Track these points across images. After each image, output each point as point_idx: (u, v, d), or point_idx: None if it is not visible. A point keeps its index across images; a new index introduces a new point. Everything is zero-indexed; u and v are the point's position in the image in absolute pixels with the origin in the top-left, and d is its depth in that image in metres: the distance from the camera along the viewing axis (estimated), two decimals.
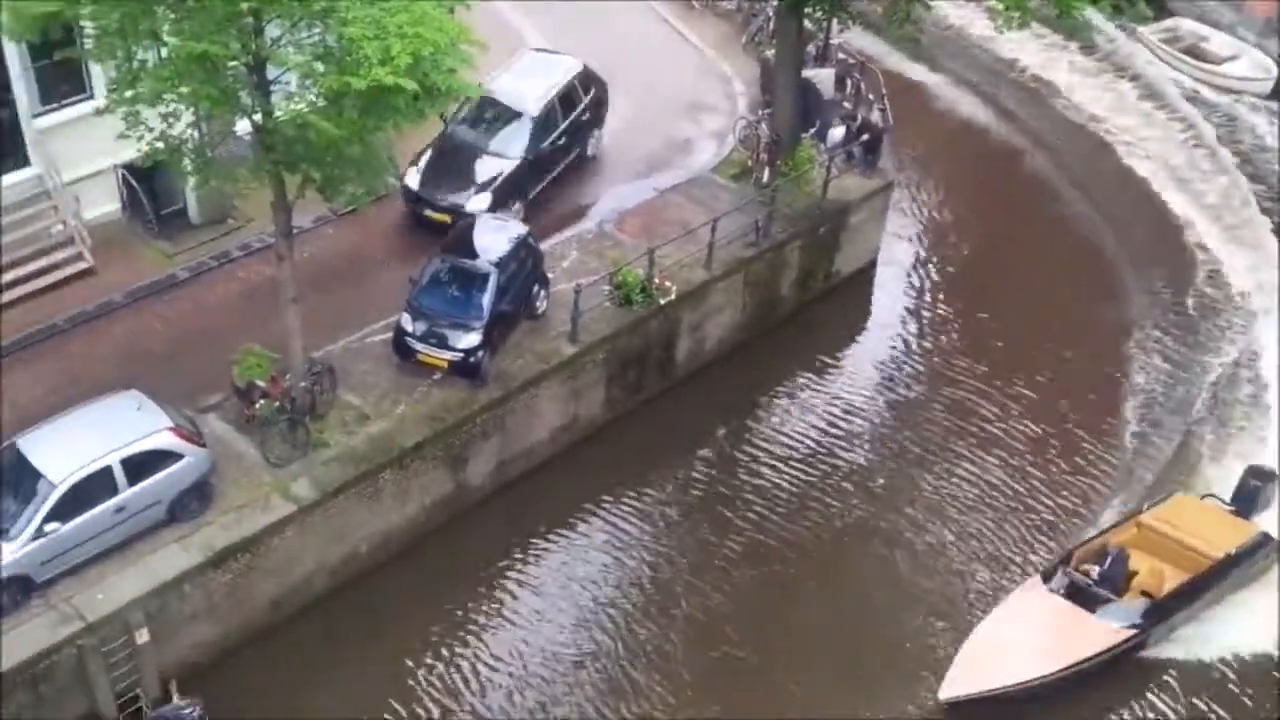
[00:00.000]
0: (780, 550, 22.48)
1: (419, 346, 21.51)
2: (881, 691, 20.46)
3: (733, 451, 24.48)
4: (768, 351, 26.21)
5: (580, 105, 26.57)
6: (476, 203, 24.31)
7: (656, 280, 23.89)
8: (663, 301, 23.95)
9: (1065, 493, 23.82)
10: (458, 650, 20.41)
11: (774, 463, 24.22)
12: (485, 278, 21.73)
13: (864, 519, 23.22)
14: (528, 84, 25.95)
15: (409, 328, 21.50)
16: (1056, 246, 29.82)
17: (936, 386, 25.99)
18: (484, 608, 21.10)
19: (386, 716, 19.33)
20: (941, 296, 28.19)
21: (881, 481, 24.03)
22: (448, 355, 21.43)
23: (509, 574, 21.69)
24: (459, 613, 20.90)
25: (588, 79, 26.87)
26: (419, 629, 20.57)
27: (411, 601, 20.82)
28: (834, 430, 25.00)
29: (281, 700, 19.14)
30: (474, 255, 22.17)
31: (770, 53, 28.71)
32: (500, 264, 21.93)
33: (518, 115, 25.48)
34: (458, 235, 22.75)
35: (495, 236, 22.58)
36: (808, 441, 24.72)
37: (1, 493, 17.71)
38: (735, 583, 21.86)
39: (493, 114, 25.57)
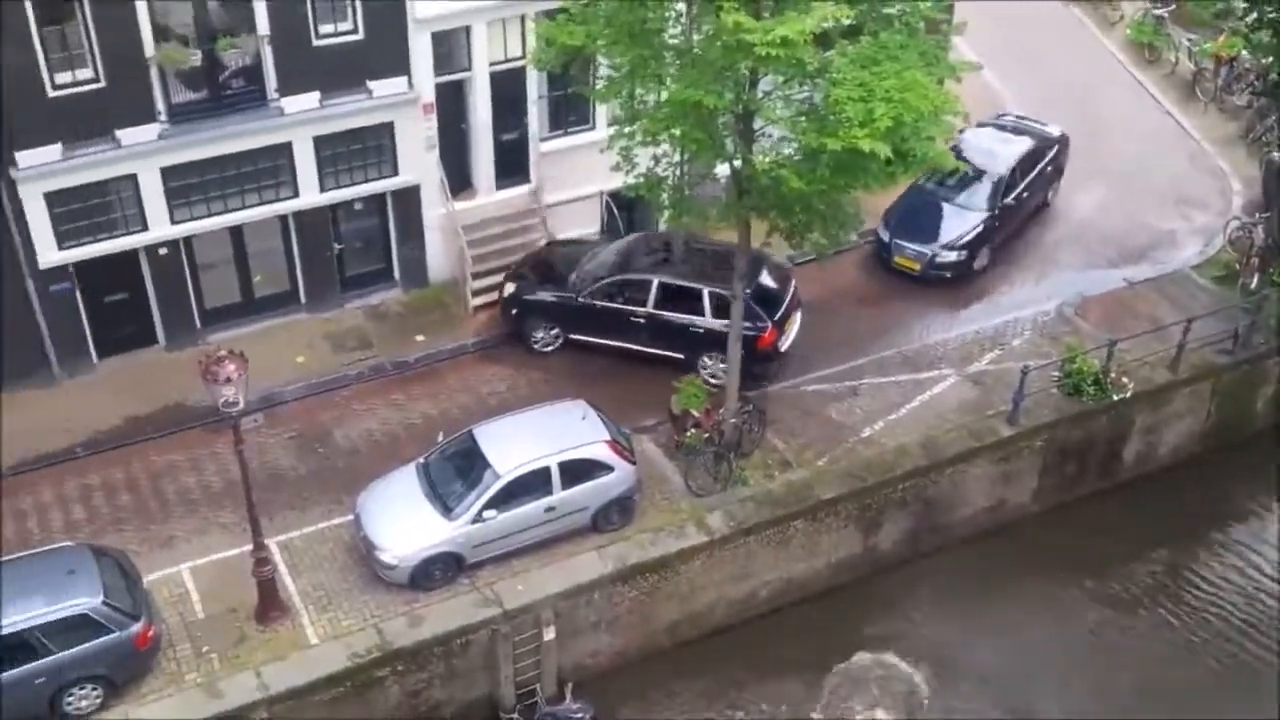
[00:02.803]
0: None
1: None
2: None
3: (1167, 580, 21.91)
4: (1228, 472, 23.31)
5: (1043, 161, 25.91)
6: (945, 256, 24.21)
7: (1113, 374, 21.89)
8: (1116, 397, 21.89)
9: None
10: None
11: (1211, 603, 21.46)
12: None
13: None
14: (997, 145, 25.56)
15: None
16: None
17: None
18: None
19: None
20: None
21: None
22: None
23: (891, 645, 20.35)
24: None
25: (1050, 140, 26.33)
26: (804, 677, 19.79)
27: (799, 649, 20.05)
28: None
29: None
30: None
31: (1276, 154, 25.69)
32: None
33: (982, 174, 24.79)
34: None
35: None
36: (1262, 592, 21.66)
37: (454, 474, 18.73)
38: None
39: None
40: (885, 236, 24.54)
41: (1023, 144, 25.64)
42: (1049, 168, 26.00)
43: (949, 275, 24.25)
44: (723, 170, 18.81)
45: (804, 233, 18.73)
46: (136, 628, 16.52)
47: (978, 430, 21.36)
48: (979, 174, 24.68)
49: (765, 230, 18.72)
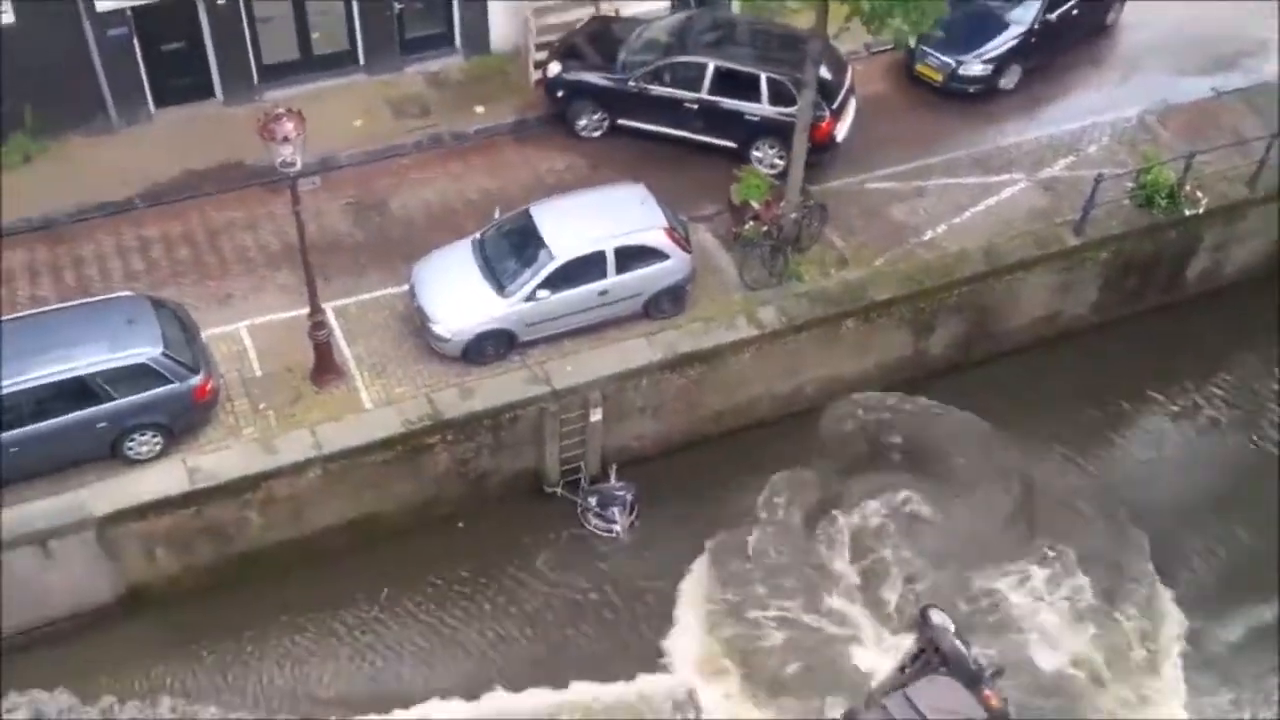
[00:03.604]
0: None
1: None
2: None
3: (1232, 394, 21.56)
4: None
5: None
6: (969, 67, 22.63)
7: (1188, 188, 21.07)
8: (1188, 212, 21.13)
9: None
10: (878, 508, 19.45)
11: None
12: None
13: None
14: None
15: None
16: None
17: None
18: (903, 480, 19.91)
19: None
20: None
21: None
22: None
23: (933, 452, 20.30)
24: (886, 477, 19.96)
25: None
26: (832, 472, 19.86)
27: (840, 445, 20.14)
28: None
29: (705, 502, 19.30)
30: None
31: None
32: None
33: None
34: None
35: None
36: None
37: (509, 252, 18.53)
38: None
39: None
40: (911, 42, 22.66)
41: None
42: None
43: (970, 90, 22.68)
44: None
45: (885, 17, 17.51)
46: (195, 380, 16.81)
47: (1043, 238, 20.77)
48: None
49: (844, 15, 17.67)
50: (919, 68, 22.96)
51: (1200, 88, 23.28)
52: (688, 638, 18.06)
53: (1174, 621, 18.65)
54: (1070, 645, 18.11)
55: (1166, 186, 20.98)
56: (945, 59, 22.64)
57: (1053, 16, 22.99)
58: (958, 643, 15.34)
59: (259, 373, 18.00)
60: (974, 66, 22.60)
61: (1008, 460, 20.03)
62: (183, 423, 17.07)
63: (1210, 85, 23.33)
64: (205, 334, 17.86)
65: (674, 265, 18.76)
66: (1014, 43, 22.75)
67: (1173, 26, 24.53)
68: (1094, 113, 22.80)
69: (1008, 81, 22.92)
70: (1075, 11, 23.32)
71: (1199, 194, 21.17)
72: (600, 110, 21.51)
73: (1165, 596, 18.89)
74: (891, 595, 18.38)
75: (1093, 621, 18.32)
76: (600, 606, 18.32)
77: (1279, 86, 22.98)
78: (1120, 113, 22.81)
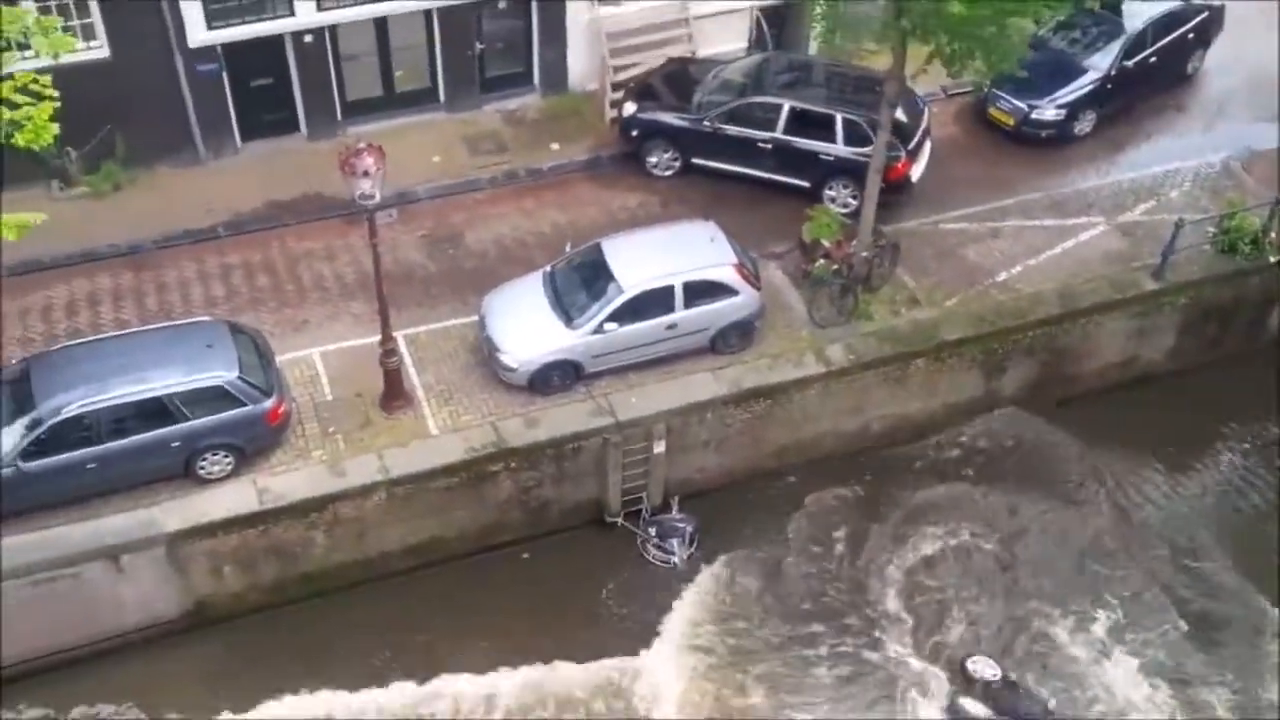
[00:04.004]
0: None
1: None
2: None
3: None
4: None
5: (1183, 28, 23.39)
6: (1042, 112, 22.35)
7: (1273, 234, 20.56)
8: (1273, 259, 20.64)
9: None
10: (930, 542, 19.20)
11: None
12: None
13: None
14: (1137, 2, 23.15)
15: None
16: None
17: None
18: (969, 509, 19.65)
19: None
20: None
21: None
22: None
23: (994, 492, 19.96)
24: (943, 510, 19.62)
25: (1201, 4, 23.81)
26: (901, 508, 19.63)
27: (901, 485, 19.91)
28: None
29: (766, 537, 19.14)
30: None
31: None
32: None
33: (1118, 33, 22.71)
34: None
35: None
36: None
37: (579, 285, 18.63)
38: None
39: (1090, 23, 22.83)
40: (985, 85, 22.09)
41: (1166, 4, 23.09)
42: (1190, 35, 23.38)
43: (1043, 135, 22.37)
44: None
45: (965, 59, 17.40)
46: (268, 403, 17.07)
47: (1120, 282, 20.39)
48: (1113, 31, 22.62)
49: (925, 56, 17.62)
50: (992, 111, 22.77)
51: None
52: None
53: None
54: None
55: (1250, 233, 20.55)
56: (1018, 103, 22.43)
57: (1130, 64, 22.72)
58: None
59: (330, 397, 18.27)
60: (1047, 111, 22.35)
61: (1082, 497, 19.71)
62: (254, 444, 17.34)
63: None
64: (280, 358, 18.18)
65: (742, 301, 18.71)
66: (1089, 89, 22.49)
67: (1259, 74, 24.07)
68: (1176, 158, 22.45)
69: (1081, 127, 22.63)
70: (1154, 60, 23.03)
71: None
72: (673, 149, 21.65)
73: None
74: (946, 634, 18.03)
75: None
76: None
77: None
78: (1203, 158, 22.42)
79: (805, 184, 21.06)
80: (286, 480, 17.33)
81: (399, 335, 18.38)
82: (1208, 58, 24.09)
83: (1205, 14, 23.75)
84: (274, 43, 20.83)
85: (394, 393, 18.05)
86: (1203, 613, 18.57)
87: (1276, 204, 20.49)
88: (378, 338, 17.69)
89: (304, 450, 17.63)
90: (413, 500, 17.68)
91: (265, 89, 21.39)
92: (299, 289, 19.83)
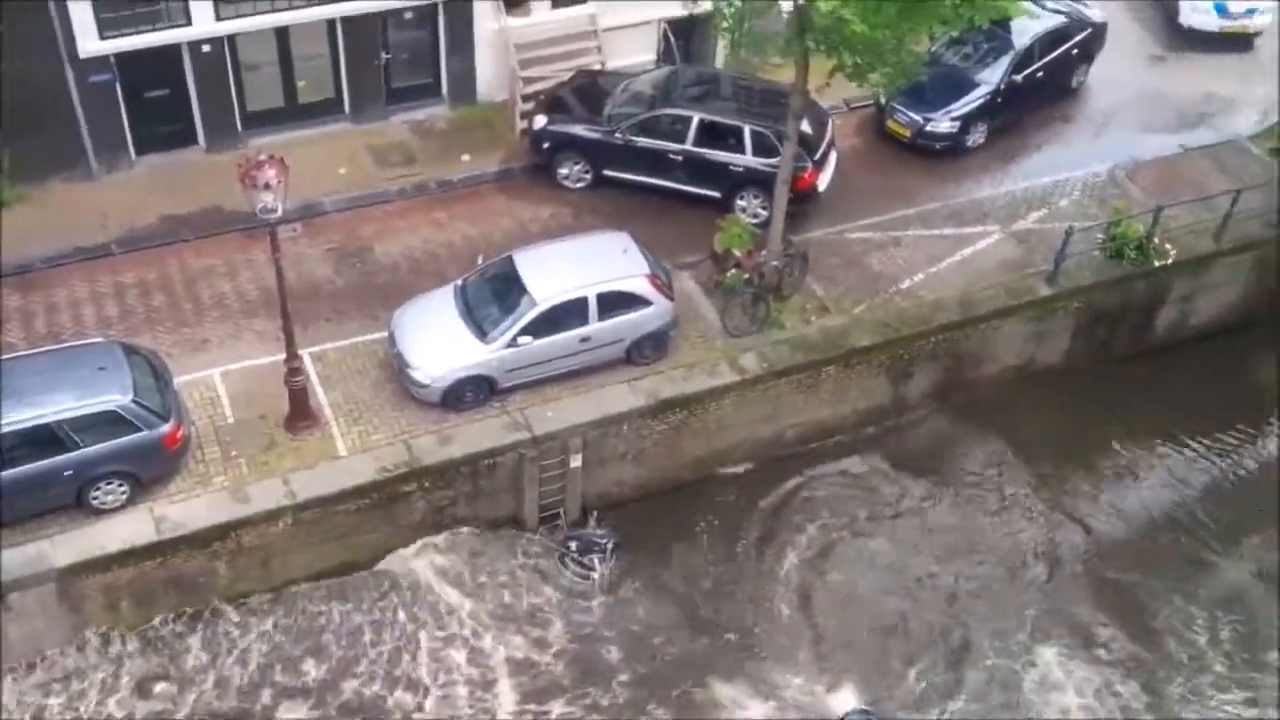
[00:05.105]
0: None
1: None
2: None
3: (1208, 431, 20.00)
4: (1262, 341, 21.11)
5: (1068, 43, 22.44)
6: (937, 125, 21.21)
7: (1157, 240, 19.71)
8: (1157, 264, 19.75)
9: None
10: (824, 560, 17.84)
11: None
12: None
13: None
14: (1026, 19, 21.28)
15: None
16: None
17: None
18: (883, 512, 18.43)
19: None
20: None
21: None
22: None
23: (905, 497, 18.75)
24: (854, 519, 18.32)
25: (1085, 21, 22.85)
26: (822, 519, 18.24)
27: (826, 496, 18.53)
28: None
29: (684, 549, 17.63)
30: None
31: None
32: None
33: (1007, 49, 21.67)
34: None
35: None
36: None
37: (491, 298, 16.93)
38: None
39: (981, 39, 21.68)
40: (883, 99, 21.00)
41: (1051, 21, 22.18)
42: (1074, 50, 22.50)
43: (937, 147, 21.31)
44: (785, 5, 16.43)
45: (866, 73, 16.36)
46: (165, 428, 15.02)
47: (1016, 288, 19.34)
48: (1003, 47, 21.59)
49: (828, 70, 16.38)
50: (889, 124, 21.64)
51: (1168, 145, 22.01)
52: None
53: None
54: None
55: (1136, 239, 19.71)
56: (914, 116, 21.35)
57: (1019, 78, 21.77)
58: None
59: (232, 420, 16.22)
60: (941, 124, 21.32)
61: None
62: (151, 472, 15.26)
63: (1178, 142, 22.07)
64: (178, 380, 16.09)
65: (656, 312, 17.19)
66: (980, 102, 21.48)
67: (1140, 88, 23.37)
68: (1065, 168, 21.45)
69: (974, 139, 21.64)
70: (1041, 74, 22.08)
71: (1167, 246, 19.87)
72: (585, 161, 20.01)
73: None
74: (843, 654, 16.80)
75: None
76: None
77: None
78: (1091, 168, 21.46)
79: (716, 194, 19.60)
80: (186, 508, 15.28)
81: (305, 353, 16.45)
82: (1091, 72, 23.25)
83: (1088, 31, 22.85)
84: (170, 52, 18.64)
85: (300, 413, 16.06)
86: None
87: (1159, 211, 19.69)
88: (282, 356, 15.71)
89: (204, 476, 15.57)
90: (321, 525, 15.74)
91: (161, 100, 19.16)
92: (198, 307, 17.68)
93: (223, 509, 15.28)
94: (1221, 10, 24.04)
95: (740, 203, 19.60)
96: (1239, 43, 24.28)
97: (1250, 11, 24.00)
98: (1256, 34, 24.32)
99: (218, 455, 15.77)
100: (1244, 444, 20.11)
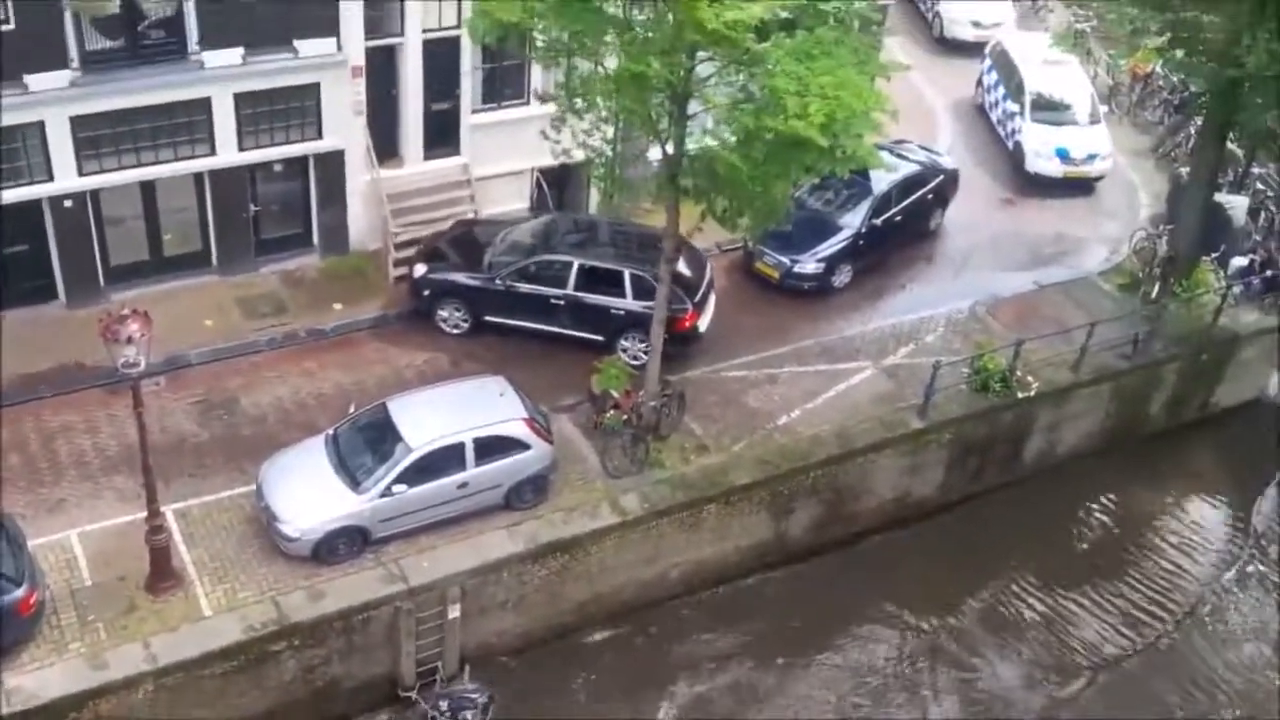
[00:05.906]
0: None
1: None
2: None
3: (1067, 566, 20.92)
4: (1123, 468, 22.45)
5: (924, 189, 24.04)
6: (803, 266, 22.38)
7: (1019, 373, 20.85)
8: (1021, 395, 20.85)
9: None
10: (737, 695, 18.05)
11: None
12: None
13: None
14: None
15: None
16: None
17: None
18: (769, 655, 18.66)
19: None
20: None
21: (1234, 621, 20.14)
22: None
23: (794, 639, 19.05)
24: (746, 660, 18.56)
25: (938, 169, 24.62)
26: (705, 660, 18.44)
27: (705, 635, 18.73)
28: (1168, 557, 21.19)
29: (569, 703, 17.46)
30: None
31: (1184, 169, 24.82)
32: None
33: (867, 193, 23.15)
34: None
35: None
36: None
37: (364, 446, 16.96)
38: None
39: (842, 186, 23.00)
40: (749, 242, 22.30)
41: (907, 169, 23.84)
42: (929, 196, 24.12)
43: (805, 287, 22.45)
44: (655, 154, 17.45)
45: (735, 217, 17.31)
46: (18, 593, 14.50)
47: (889, 422, 20.12)
48: (863, 193, 23.08)
49: (699, 214, 17.29)
50: (758, 265, 22.71)
51: (1024, 282, 23.46)
52: None
53: None
54: None
55: (999, 372, 20.78)
56: (781, 258, 22.46)
57: (878, 221, 23.14)
58: None
59: (89, 583, 15.70)
60: (808, 265, 22.45)
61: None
62: (3, 640, 14.59)
63: (1033, 280, 23.57)
64: (33, 543, 15.58)
65: (535, 455, 17.38)
66: (844, 244, 22.73)
67: (995, 230, 24.99)
68: (929, 305, 22.64)
69: (840, 279, 22.78)
70: (899, 218, 23.51)
71: (1029, 379, 20.96)
72: (465, 308, 20.44)
73: None
74: None
75: None
76: None
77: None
78: (953, 305, 22.68)
79: (599, 338, 20.13)
80: (39, 677, 14.65)
81: (167, 510, 16.15)
82: (947, 215, 24.83)
83: (942, 177, 24.52)
84: (30, 207, 18.60)
85: (161, 573, 15.66)
86: None
87: (1019, 345, 20.88)
88: (144, 514, 15.39)
89: (59, 643, 14.99)
90: (185, 690, 15.19)
91: (19, 255, 18.98)
92: (54, 466, 17.27)
93: (79, 677, 14.67)
94: (1064, 155, 26.11)
95: (624, 344, 20.16)
96: (1082, 186, 26.31)
97: (1091, 157, 26.12)
98: (1099, 178, 26.46)
99: (74, 620, 15.21)
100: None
